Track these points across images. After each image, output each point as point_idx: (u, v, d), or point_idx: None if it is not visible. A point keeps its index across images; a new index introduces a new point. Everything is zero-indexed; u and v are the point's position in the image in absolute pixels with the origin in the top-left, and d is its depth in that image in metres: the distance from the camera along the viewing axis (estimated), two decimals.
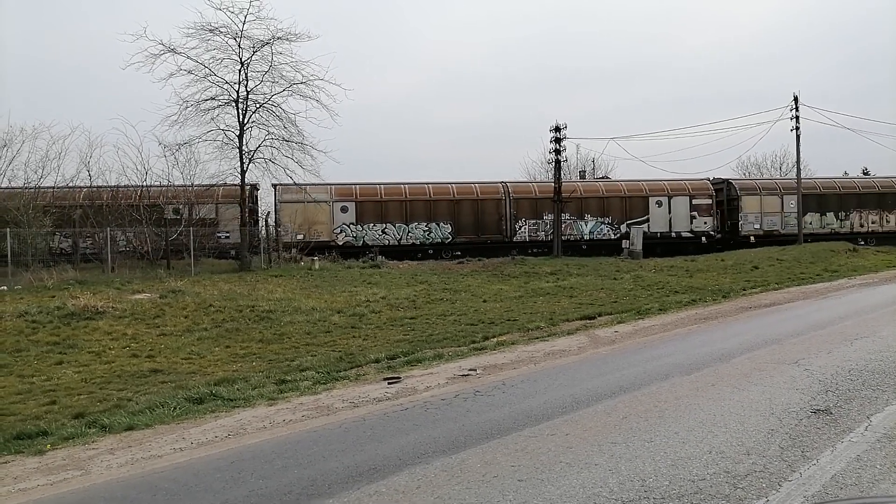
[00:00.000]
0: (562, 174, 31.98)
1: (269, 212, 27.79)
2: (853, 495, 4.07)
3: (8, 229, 19.72)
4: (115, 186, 25.71)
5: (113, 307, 13.46)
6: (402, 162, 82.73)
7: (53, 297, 14.83)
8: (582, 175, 46.58)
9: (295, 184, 24.30)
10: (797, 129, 34.39)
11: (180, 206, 25.28)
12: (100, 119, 72.90)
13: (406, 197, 30.02)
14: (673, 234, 32.28)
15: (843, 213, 35.24)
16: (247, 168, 22.99)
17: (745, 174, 52.51)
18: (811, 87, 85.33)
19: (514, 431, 5.70)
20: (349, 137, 70.57)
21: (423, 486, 4.52)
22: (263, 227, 26.65)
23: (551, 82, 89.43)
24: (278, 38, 22.09)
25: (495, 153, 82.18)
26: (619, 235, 31.96)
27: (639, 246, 29.60)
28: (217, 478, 4.95)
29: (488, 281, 20.33)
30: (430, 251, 29.76)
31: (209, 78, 22.10)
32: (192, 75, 21.92)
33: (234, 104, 22.54)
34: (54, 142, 26.47)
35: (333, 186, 28.77)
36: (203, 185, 25.12)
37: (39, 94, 61.49)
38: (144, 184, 25.63)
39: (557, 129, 31.13)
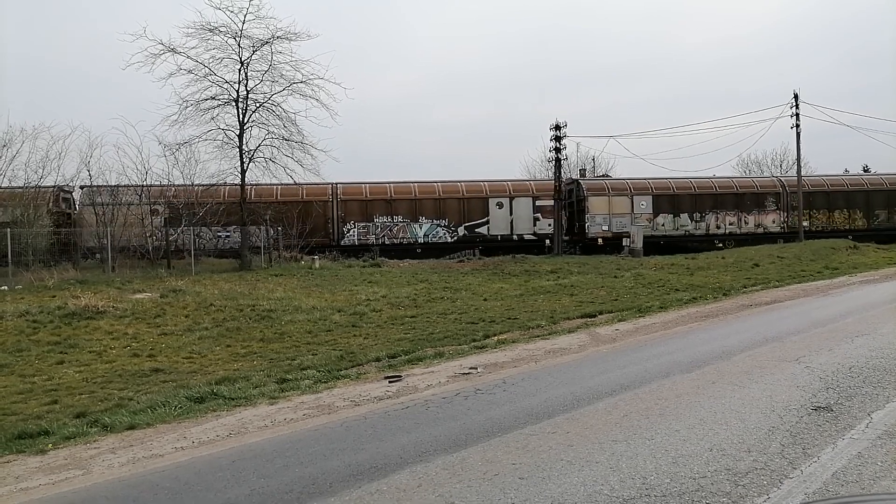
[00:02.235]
0: (561, 172, 32.01)
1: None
2: (854, 492, 4.07)
3: (8, 229, 19.72)
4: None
5: (114, 307, 13.47)
6: (400, 161, 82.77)
7: (54, 296, 14.84)
8: (582, 173, 46.55)
9: (101, 185, 23.32)
10: (797, 126, 34.42)
11: None
12: (100, 119, 73.09)
13: (225, 199, 27.33)
14: (515, 237, 30.97)
15: (699, 215, 33.70)
16: (247, 167, 23.05)
17: (745, 172, 52.53)
18: (812, 85, 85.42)
19: (515, 429, 5.70)
20: (349, 136, 70.63)
21: (424, 485, 4.52)
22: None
23: (552, 80, 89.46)
24: (278, 37, 22.15)
25: (495, 152, 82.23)
26: (455, 238, 30.68)
27: (639, 244, 29.58)
28: (218, 477, 4.95)
29: (488, 279, 20.33)
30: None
31: (209, 77, 22.17)
32: (192, 75, 21.98)
33: (233, 103, 22.58)
34: (54, 142, 26.41)
35: (147, 189, 26.14)
36: None
37: (39, 95, 61.54)
38: None
39: (557, 128, 31.19)
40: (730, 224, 33.87)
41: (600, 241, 31.92)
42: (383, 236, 29.97)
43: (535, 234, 31.50)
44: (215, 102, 22.38)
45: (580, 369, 8.33)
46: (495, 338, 10.98)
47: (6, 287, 16.85)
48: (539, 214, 31.64)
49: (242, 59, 22.27)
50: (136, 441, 6.06)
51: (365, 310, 14.28)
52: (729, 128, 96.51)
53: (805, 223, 34.34)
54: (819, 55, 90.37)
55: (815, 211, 35.13)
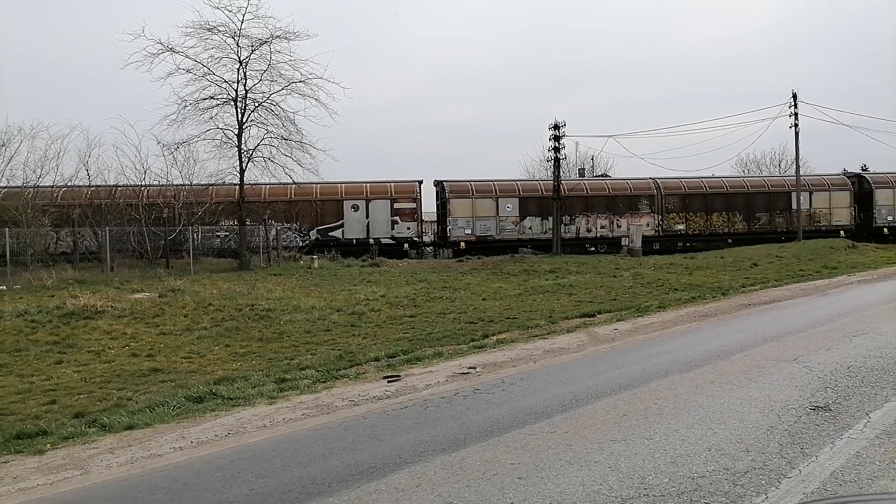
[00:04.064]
0: (560, 172, 31.98)
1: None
2: (852, 492, 4.07)
3: (7, 229, 19.70)
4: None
5: (112, 306, 13.45)
6: (399, 160, 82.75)
7: (53, 296, 14.82)
8: (581, 173, 46.55)
9: None
10: (796, 125, 34.40)
11: None
12: (98, 118, 72.96)
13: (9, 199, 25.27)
14: (371, 241, 29.33)
15: (568, 218, 32.15)
16: (246, 167, 23.05)
17: (744, 171, 52.53)
18: (810, 84, 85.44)
19: (513, 429, 5.70)
20: (348, 135, 70.61)
21: (423, 484, 4.52)
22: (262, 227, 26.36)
23: (551, 80, 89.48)
24: (276, 36, 22.15)
25: (494, 151, 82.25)
26: (307, 242, 28.73)
27: (638, 243, 29.57)
28: (217, 476, 4.95)
29: (487, 279, 20.33)
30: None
31: (208, 77, 22.17)
32: (191, 74, 21.98)
33: (232, 103, 22.57)
34: (53, 141, 26.42)
35: None
36: None
37: (38, 94, 61.45)
38: None
39: (556, 127, 31.12)
40: (601, 227, 32.49)
41: (462, 244, 30.34)
42: (229, 242, 27.25)
43: (392, 237, 29.84)
44: (214, 102, 22.40)
45: (579, 369, 8.33)
46: (494, 337, 10.97)
47: (4, 287, 16.83)
48: (397, 217, 29.99)
49: (241, 59, 22.28)
50: (135, 441, 6.05)
51: (364, 309, 14.27)
52: (728, 127, 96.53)
53: (680, 226, 33.17)
54: (819, 55, 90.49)
55: (691, 214, 33.53)
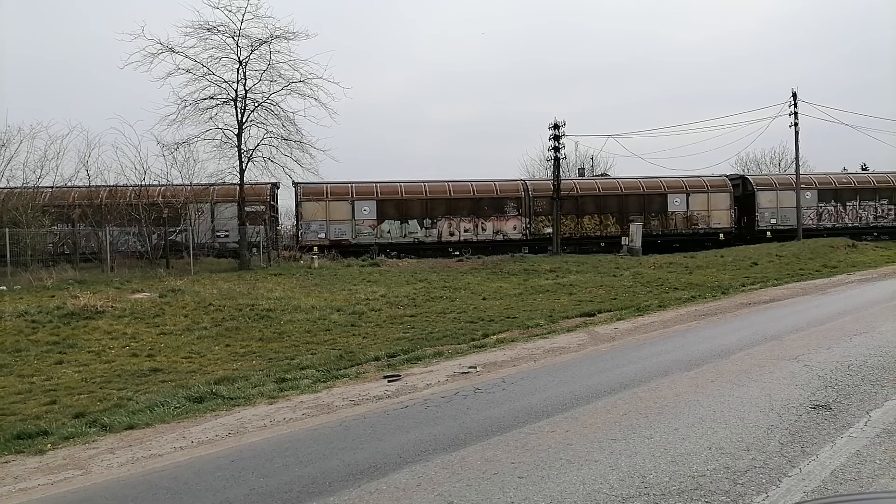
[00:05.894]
0: (560, 172, 31.97)
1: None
2: (853, 490, 4.07)
3: (7, 229, 19.70)
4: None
5: (112, 306, 13.45)
6: (398, 160, 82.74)
7: (53, 296, 14.82)
8: (581, 172, 46.56)
9: None
10: (796, 125, 34.38)
11: None
12: (98, 119, 72.90)
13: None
14: (216, 245, 28.11)
15: (430, 221, 30.89)
16: (245, 167, 23.05)
17: (744, 170, 52.51)
18: (810, 84, 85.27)
19: (514, 428, 5.70)
20: (349, 135, 70.68)
21: (423, 484, 4.53)
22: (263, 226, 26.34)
23: (551, 80, 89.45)
24: (276, 36, 22.15)
25: (494, 151, 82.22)
26: (146, 248, 26.22)
27: (638, 243, 29.56)
28: (218, 476, 4.95)
29: (487, 279, 20.34)
30: None
31: (207, 77, 22.16)
32: (191, 74, 21.97)
33: (232, 103, 22.57)
34: (52, 141, 26.47)
35: None
36: None
37: (37, 94, 61.44)
38: None
39: (556, 127, 31.11)
40: (465, 231, 31.16)
41: (315, 249, 28.74)
42: (62, 245, 25.39)
43: (238, 242, 28.17)
44: (214, 102, 22.40)
45: (579, 368, 8.34)
46: (494, 337, 10.98)
47: (5, 287, 16.83)
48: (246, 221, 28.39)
49: (241, 59, 22.28)
50: (135, 441, 6.05)
51: (364, 309, 14.28)
52: (728, 126, 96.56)
53: (550, 229, 31.64)
54: (819, 54, 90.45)
55: (561, 216, 31.88)
